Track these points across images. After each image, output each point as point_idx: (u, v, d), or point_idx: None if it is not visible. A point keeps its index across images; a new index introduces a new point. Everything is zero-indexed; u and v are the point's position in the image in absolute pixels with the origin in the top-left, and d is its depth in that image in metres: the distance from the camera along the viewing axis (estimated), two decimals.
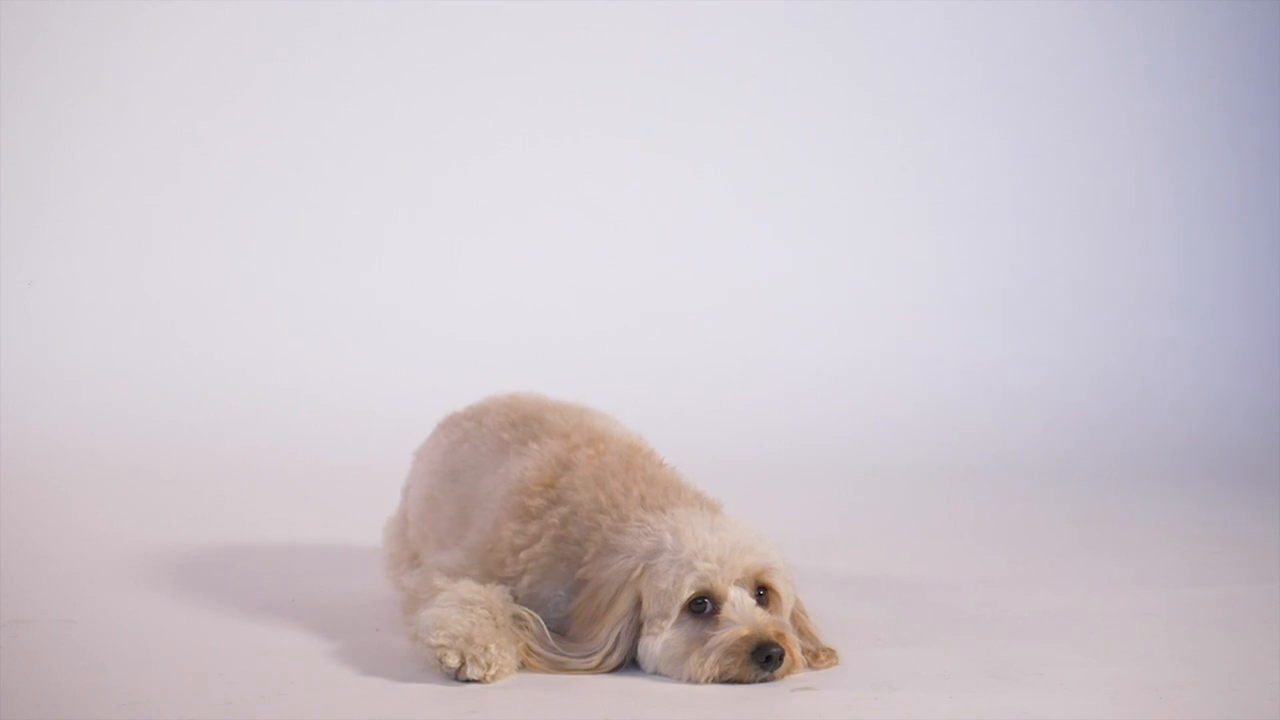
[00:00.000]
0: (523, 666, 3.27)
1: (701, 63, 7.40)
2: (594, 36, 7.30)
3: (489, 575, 3.42)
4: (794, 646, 3.25)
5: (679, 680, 3.22)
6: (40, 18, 6.76)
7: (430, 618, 3.25)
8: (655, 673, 3.27)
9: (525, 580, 3.40)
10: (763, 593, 3.30)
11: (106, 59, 6.87)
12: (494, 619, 3.26)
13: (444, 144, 7.16)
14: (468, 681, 3.17)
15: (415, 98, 7.14)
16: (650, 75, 7.33)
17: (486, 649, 3.18)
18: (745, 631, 3.19)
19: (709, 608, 3.24)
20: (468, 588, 3.34)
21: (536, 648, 3.28)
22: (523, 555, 3.42)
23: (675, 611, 3.23)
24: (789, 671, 3.24)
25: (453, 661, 3.17)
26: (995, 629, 3.76)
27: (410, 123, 7.14)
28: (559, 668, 3.27)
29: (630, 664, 3.30)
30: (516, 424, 3.84)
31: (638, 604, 3.26)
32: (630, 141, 7.32)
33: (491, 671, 3.18)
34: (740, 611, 3.23)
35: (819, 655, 3.36)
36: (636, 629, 3.27)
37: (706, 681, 3.19)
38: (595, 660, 3.26)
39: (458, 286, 7.10)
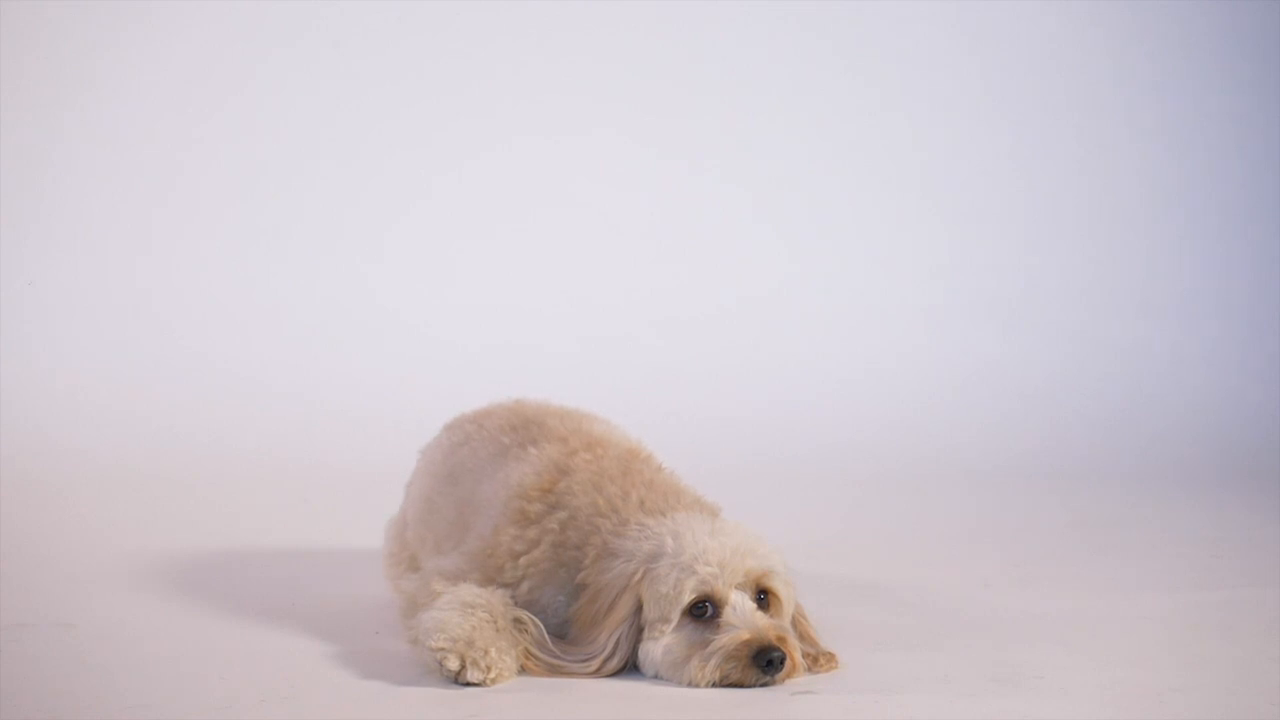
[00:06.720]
0: (523, 670, 3.27)
1: (709, 68, 7.39)
2: (601, 37, 7.29)
3: (488, 580, 3.42)
4: (795, 650, 3.25)
5: (679, 684, 3.21)
6: (41, 18, 6.75)
7: (431, 621, 3.25)
8: (655, 677, 3.26)
9: (525, 585, 3.40)
10: (763, 596, 3.29)
11: (107, 59, 6.86)
12: (495, 622, 3.25)
13: (448, 146, 7.14)
14: (468, 685, 3.17)
15: (418, 100, 7.13)
16: (658, 79, 7.32)
17: (487, 652, 3.18)
18: (746, 635, 3.19)
19: (710, 611, 3.24)
20: (468, 591, 3.33)
21: (536, 652, 3.28)
22: (522, 561, 3.41)
23: (676, 615, 3.23)
24: (790, 675, 3.23)
25: (453, 665, 3.16)
26: (997, 633, 3.76)
27: (414, 125, 7.12)
28: (559, 671, 3.27)
29: (630, 668, 3.29)
30: (517, 428, 3.84)
31: (638, 608, 3.26)
32: (647, 149, 7.31)
33: (492, 675, 3.18)
34: (741, 615, 3.22)
35: (819, 659, 3.35)
36: (637, 633, 3.27)
37: (707, 685, 3.18)
38: (595, 664, 3.26)
39: (461, 290, 7.08)
